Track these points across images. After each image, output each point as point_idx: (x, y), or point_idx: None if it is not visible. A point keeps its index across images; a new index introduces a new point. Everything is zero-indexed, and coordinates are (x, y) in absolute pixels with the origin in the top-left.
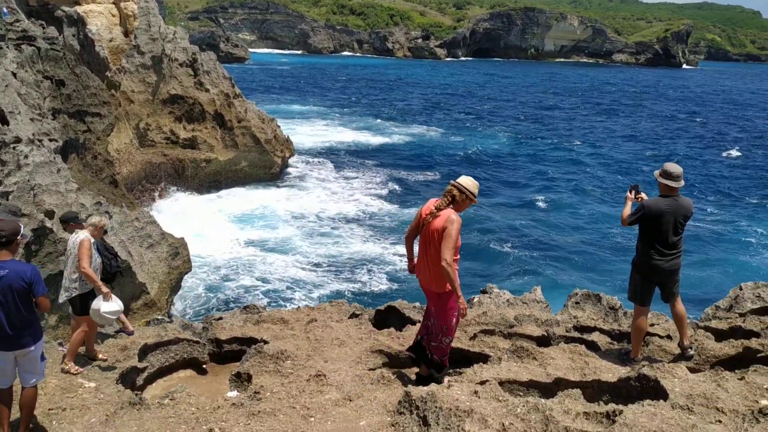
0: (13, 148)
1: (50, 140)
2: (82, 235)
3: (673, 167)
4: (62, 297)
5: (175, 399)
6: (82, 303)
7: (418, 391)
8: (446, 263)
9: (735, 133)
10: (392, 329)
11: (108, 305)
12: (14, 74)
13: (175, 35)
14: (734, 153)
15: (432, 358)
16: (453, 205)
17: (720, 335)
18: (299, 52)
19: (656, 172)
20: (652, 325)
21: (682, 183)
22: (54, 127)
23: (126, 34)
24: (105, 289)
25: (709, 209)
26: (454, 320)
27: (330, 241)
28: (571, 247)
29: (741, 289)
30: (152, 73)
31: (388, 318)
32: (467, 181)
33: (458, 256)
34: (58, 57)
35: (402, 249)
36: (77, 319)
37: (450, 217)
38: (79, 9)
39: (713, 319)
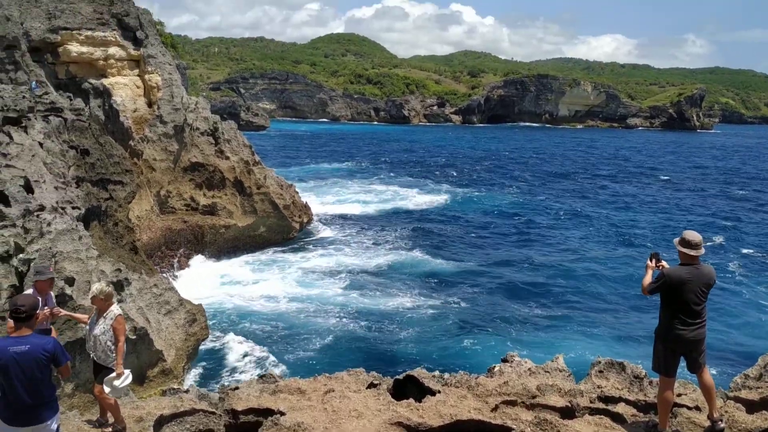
0: (37, 216)
1: (73, 208)
2: None
3: (692, 235)
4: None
5: None
6: None
7: None
8: None
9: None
10: (411, 400)
11: None
12: (41, 144)
13: (197, 105)
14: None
15: None
16: None
17: (751, 406)
18: (318, 120)
19: (675, 240)
20: (679, 395)
21: (702, 251)
22: (77, 195)
23: (150, 104)
24: None
25: (733, 270)
26: None
27: (353, 299)
28: (593, 313)
29: None
30: (174, 142)
31: (406, 388)
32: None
33: None
34: (83, 127)
35: (430, 300)
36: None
37: None
38: (106, 81)
39: (743, 389)
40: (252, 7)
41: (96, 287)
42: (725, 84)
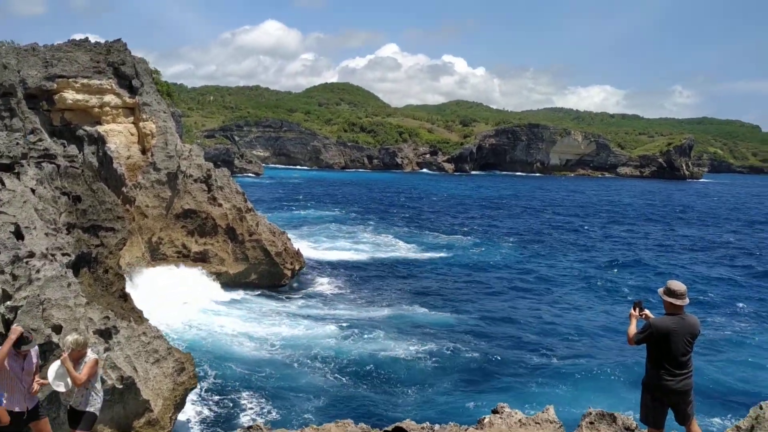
0: (26, 262)
1: (63, 254)
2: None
3: (677, 285)
4: None
5: None
6: None
7: None
8: None
9: (752, 247)
10: None
11: None
12: (33, 191)
13: (191, 152)
14: (752, 266)
15: None
16: None
17: None
18: (311, 167)
19: (660, 290)
20: None
21: (687, 300)
22: (68, 241)
23: (143, 151)
24: None
25: (723, 318)
26: None
27: (343, 347)
28: (583, 363)
29: (761, 408)
30: (167, 189)
31: None
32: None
33: None
34: (76, 174)
35: (419, 350)
36: None
37: None
38: (100, 128)
39: None
40: (247, 57)
41: (71, 340)
42: (713, 134)
